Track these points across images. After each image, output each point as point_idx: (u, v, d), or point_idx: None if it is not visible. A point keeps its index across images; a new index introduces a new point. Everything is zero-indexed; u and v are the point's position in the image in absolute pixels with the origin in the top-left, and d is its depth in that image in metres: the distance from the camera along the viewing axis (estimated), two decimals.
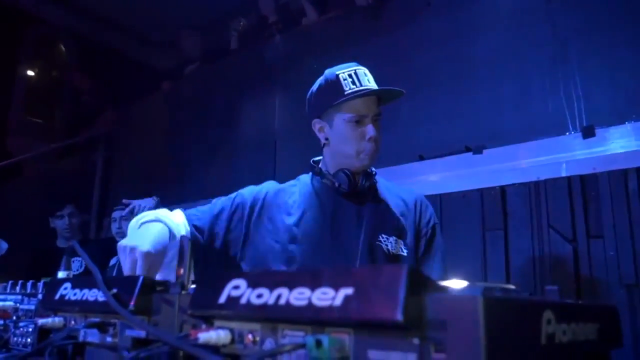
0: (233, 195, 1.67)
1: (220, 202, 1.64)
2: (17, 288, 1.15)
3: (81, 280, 0.89)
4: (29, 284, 1.14)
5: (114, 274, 3.48)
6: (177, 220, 1.45)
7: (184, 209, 1.62)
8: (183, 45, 5.03)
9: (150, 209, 3.32)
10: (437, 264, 1.66)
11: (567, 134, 2.64)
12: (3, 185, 4.74)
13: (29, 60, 5.76)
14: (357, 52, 3.62)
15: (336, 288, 0.55)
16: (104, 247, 3.74)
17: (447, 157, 3.01)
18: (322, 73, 1.69)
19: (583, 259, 2.48)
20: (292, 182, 1.77)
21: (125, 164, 5.24)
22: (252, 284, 0.63)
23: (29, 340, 0.95)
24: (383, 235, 1.57)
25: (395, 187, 1.78)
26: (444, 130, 3.07)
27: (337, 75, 1.58)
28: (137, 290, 0.78)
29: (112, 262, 3.59)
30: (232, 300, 0.63)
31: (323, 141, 1.66)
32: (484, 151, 2.88)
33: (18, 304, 1.07)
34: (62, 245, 3.77)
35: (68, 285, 0.91)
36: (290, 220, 1.59)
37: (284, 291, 0.59)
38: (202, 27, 5.08)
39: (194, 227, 1.53)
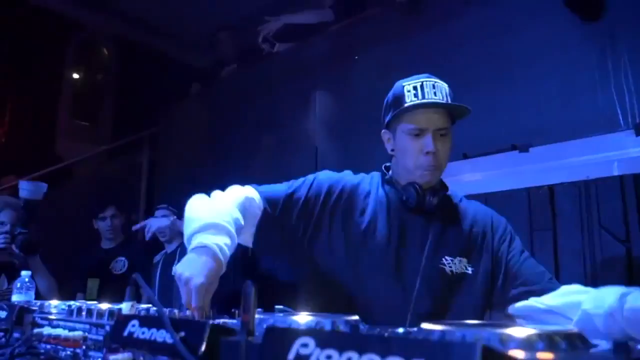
0: (310, 177, 1.68)
1: (296, 183, 1.67)
2: (83, 315, 1.20)
3: (149, 319, 0.93)
4: (94, 311, 1.19)
5: (158, 271, 3.58)
6: (231, 214, 1.47)
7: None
8: (220, 46, 5.08)
9: (161, 228, 3.36)
10: (529, 260, 1.63)
11: (619, 130, 2.55)
12: (54, 189, 4.93)
13: (73, 65, 5.94)
14: (396, 49, 3.59)
15: (407, 358, 0.55)
16: (148, 247, 3.81)
17: (492, 155, 2.96)
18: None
19: (637, 261, 2.41)
20: (365, 177, 1.76)
21: (168, 164, 5.35)
22: (321, 344, 0.65)
23: None
24: (447, 258, 1.58)
25: (469, 203, 1.77)
26: (489, 127, 3.01)
27: (403, 87, 1.60)
28: (205, 335, 0.81)
29: (156, 258, 3.70)
30: (301, 359, 0.65)
31: (389, 152, 1.69)
32: (531, 149, 2.82)
33: (86, 333, 1.12)
34: (106, 246, 3.83)
35: (136, 322, 0.95)
36: (362, 224, 1.60)
37: (353, 355, 0.60)
38: (238, 27, 5.12)
39: (267, 200, 1.58)
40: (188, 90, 5.25)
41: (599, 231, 2.52)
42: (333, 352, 0.62)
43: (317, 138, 3.93)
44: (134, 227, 3.30)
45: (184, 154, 5.15)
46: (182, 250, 3.59)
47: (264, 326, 1.01)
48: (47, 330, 1.18)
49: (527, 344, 0.64)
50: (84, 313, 1.22)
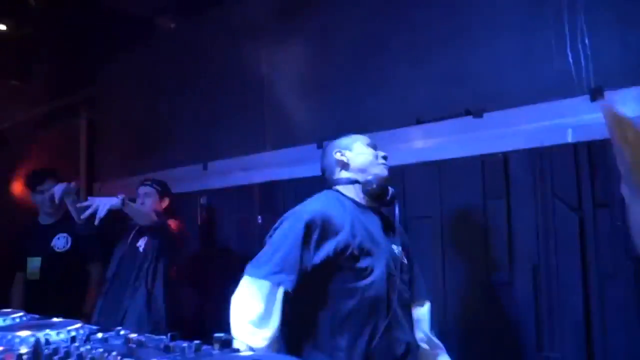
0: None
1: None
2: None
3: None
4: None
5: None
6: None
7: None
8: None
9: (112, 206, 2.72)
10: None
11: (574, 96, 2.44)
12: None
13: None
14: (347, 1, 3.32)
15: None
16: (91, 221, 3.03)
17: (446, 120, 2.83)
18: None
19: (589, 229, 2.38)
20: None
21: (109, 128, 4.94)
22: None
23: None
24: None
25: None
26: (442, 92, 2.85)
27: None
28: None
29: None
30: None
31: None
32: (485, 115, 2.70)
33: None
34: (44, 222, 3.51)
35: None
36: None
37: None
38: None
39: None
40: (130, 42, 4.64)
41: (552, 199, 2.47)
42: None
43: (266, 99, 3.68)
44: (83, 215, 2.64)
45: (128, 113, 4.69)
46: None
47: None
48: None
49: None
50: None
